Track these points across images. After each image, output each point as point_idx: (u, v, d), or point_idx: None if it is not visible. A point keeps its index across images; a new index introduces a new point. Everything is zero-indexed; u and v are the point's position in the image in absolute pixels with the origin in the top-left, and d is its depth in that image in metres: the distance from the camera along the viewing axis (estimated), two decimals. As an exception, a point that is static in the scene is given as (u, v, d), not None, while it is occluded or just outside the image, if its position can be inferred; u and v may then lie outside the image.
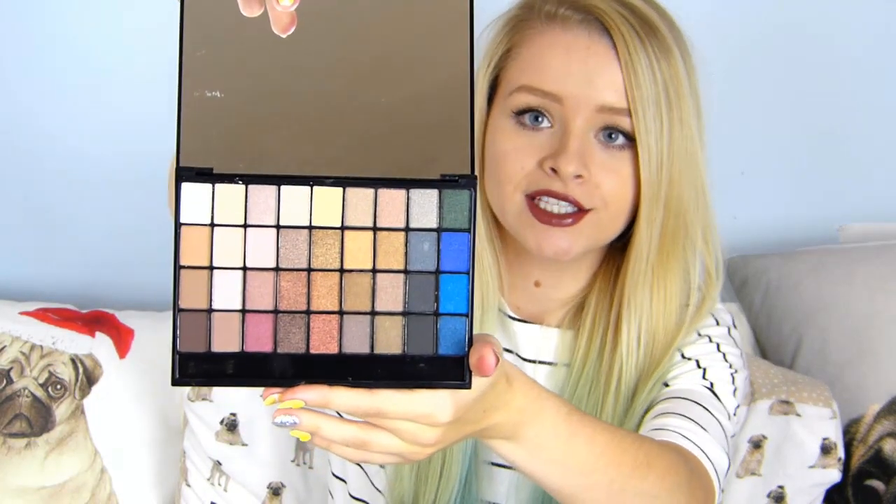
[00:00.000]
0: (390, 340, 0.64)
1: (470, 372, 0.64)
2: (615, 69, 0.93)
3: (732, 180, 1.67)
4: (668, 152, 0.94)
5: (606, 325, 1.02)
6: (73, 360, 1.39)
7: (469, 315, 0.64)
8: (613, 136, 0.95)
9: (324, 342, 0.64)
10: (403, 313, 0.64)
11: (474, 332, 0.65)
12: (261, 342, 0.63)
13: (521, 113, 0.96)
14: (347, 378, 0.63)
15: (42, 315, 1.42)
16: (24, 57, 1.53)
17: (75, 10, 1.53)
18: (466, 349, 0.64)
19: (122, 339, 1.42)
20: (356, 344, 0.64)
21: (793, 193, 1.69)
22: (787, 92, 1.65)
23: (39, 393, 1.37)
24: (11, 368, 1.37)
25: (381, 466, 1.08)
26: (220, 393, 1.35)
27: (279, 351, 0.63)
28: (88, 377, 1.38)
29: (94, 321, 1.43)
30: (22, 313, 1.42)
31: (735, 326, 1.07)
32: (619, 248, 1.02)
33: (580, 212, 0.95)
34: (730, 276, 1.60)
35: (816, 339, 1.48)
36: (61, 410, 1.37)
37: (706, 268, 1.04)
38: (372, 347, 0.64)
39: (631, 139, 0.94)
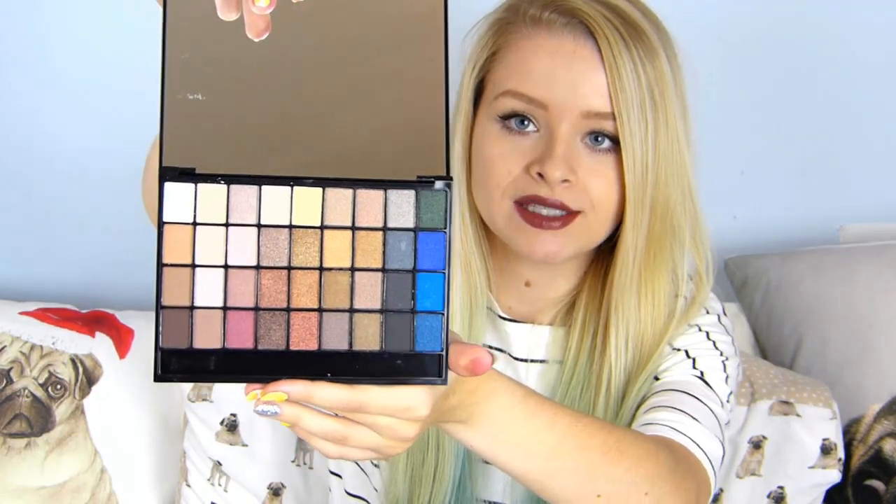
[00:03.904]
0: (369, 337, 0.65)
1: (447, 368, 0.66)
2: (600, 73, 0.93)
3: (732, 180, 1.67)
4: (654, 155, 0.94)
5: (596, 326, 1.02)
6: (73, 360, 1.39)
7: (445, 313, 0.66)
8: (599, 139, 0.94)
9: (304, 339, 0.65)
10: (381, 311, 0.66)
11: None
12: (242, 339, 0.65)
13: (506, 117, 0.96)
14: (327, 374, 0.65)
15: (42, 315, 1.42)
16: (23, 56, 1.53)
17: (75, 9, 1.53)
18: (443, 346, 0.66)
19: (122, 339, 1.42)
20: (335, 341, 0.65)
21: (793, 193, 1.69)
22: (787, 92, 1.65)
23: (39, 393, 1.37)
24: (11, 368, 1.37)
25: (375, 465, 1.08)
26: (220, 393, 1.35)
27: (260, 347, 0.65)
28: (88, 377, 1.39)
29: (94, 321, 1.43)
30: (22, 313, 1.42)
31: (725, 314, 1.07)
32: (608, 248, 1.02)
33: (569, 214, 0.95)
34: (730, 276, 1.60)
35: (816, 339, 1.48)
36: (61, 410, 1.37)
37: (697, 270, 1.04)
38: (351, 344, 0.65)
39: (617, 142, 0.94)
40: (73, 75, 1.54)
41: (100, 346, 1.40)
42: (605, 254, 1.03)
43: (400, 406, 0.66)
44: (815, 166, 1.68)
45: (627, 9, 0.94)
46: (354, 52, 0.66)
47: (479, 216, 1.02)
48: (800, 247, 1.60)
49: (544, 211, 0.94)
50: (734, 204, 1.67)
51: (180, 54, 0.65)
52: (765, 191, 1.68)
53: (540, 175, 0.93)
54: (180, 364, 0.64)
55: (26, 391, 1.37)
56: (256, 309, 0.65)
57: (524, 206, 0.95)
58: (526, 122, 0.95)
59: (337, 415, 0.68)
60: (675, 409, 0.95)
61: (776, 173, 1.68)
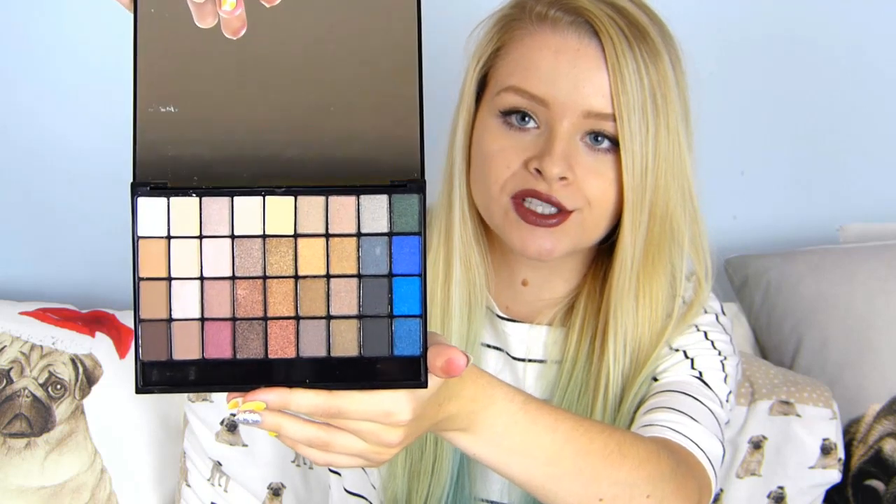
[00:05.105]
0: (347, 343, 0.66)
1: (426, 371, 0.66)
2: (603, 73, 0.93)
3: (732, 180, 1.67)
4: (654, 158, 0.94)
5: (595, 329, 1.02)
6: (73, 360, 1.39)
7: (423, 316, 0.66)
8: (599, 139, 0.94)
9: (281, 347, 0.66)
10: (358, 316, 0.66)
11: (436, 330, 0.65)
12: (220, 349, 0.66)
13: (507, 113, 0.96)
14: (305, 381, 0.66)
15: (42, 315, 1.42)
16: (23, 56, 1.53)
17: (75, 9, 1.53)
18: (422, 349, 0.66)
19: (122, 339, 1.42)
20: (313, 348, 0.66)
21: (793, 193, 1.69)
22: (787, 92, 1.65)
23: (39, 393, 1.37)
24: (11, 368, 1.37)
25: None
26: (220, 394, 1.35)
27: (239, 357, 0.66)
28: (88, 377, 1.39)
29: (94, 321, 1.43)
30: (22, 313, 1.42)
31: (724, 313, 1.07)
32: (607, 251, 1.02)
33: (564, 212, 0.95)
34: (730, 276, 1.60)
35: (816, 339, 1.48)
36: (61, 410, 1.37)
37: (696, 274, 1.04)
38: (329, 350, 0.66)
39: (616, 143, 0.94)
40: (73, 75, 1.54)
41: (100, 346, 1.40)
42: (604, 256, 1.03)
43: (380, 410, 0.66)
44: (815, 166, 1.68)
45: (633, 10, 0.94)
46: (328, 56, 0.66)
47: (478, 213, 1.02)
48: (800, 247, 1.60)
49: (539, 208, 0.94)
50: (734, 204, 1.67)
51: (152, 67, 0.65)
52: (765, 191, 1.68)
53: (538, 171, 0.93)
54: (161, 376, 0.65)
55: (26, 391, 1.37)
56: (233, 319, 0.66)
57: (520, 200, 0.95)
58: (527, 119, 0.95)
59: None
60: (675, 409, 0.95)
61: (776, 173, 1.68)
